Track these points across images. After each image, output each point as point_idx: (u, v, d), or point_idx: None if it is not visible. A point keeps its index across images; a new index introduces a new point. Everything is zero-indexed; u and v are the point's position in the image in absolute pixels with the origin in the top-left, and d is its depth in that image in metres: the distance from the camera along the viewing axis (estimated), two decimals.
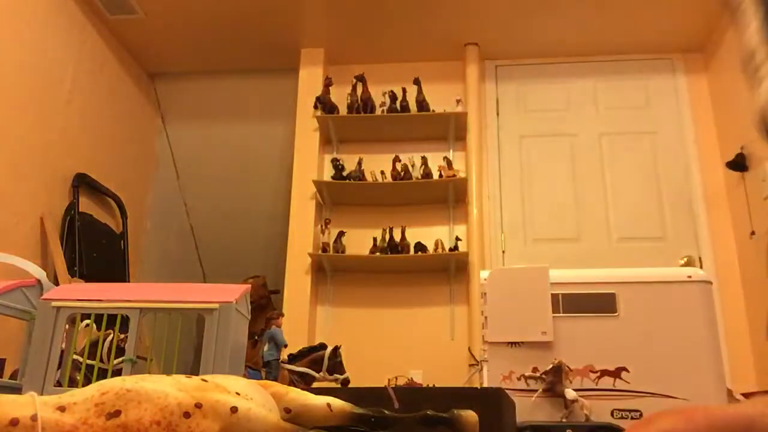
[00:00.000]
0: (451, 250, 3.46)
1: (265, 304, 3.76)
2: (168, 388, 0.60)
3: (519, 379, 1.45)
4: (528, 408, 1.42)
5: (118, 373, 1.09)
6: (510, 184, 3.76)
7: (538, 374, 1.43)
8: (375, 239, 3.53)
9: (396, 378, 3.09)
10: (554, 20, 3.63)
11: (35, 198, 3.11)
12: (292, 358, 1.64)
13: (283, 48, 3.93)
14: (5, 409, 0.54)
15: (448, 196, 3.62)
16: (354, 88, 3.74)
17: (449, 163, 3.55)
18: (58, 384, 1.07)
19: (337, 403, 0.78)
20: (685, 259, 3.46)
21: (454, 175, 3.52)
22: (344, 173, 3.62)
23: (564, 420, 1.36)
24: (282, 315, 1.67)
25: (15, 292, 1.22)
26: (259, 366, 1.59)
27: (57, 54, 3.31)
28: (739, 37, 0.58)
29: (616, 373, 1.42)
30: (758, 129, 0.56)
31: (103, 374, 1.37)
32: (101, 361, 1.43)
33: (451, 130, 3.72)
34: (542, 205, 3.69)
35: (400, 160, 3.59)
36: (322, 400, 0.78)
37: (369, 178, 3.59)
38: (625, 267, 1.53)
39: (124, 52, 3.98)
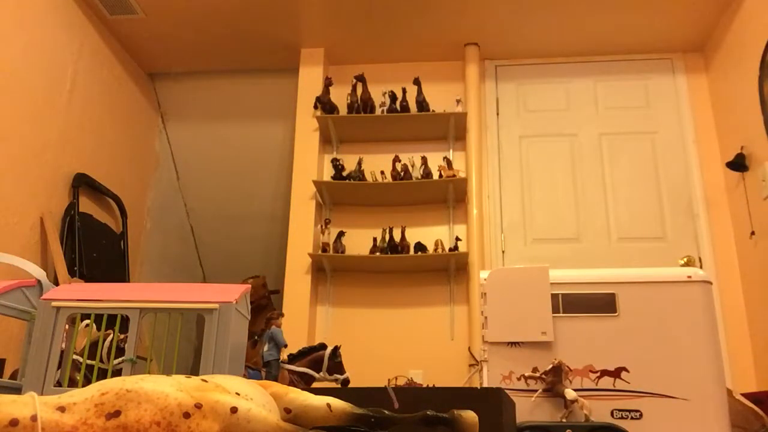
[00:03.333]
0: (451, 250, 3.46)
1: (265, 304, 3.76)
2: (168, 389, 0.60)
3: (519, 379, 1.45)
4: (528, 408, 1.42)
5: (118, 373, 1.09)
6: (510, 184, 3.76)
7: (538, 374, 1.43)
8: (375, 239, 3.53)
9: (396, 378, 3.09)
10: (554, 20, 3.63)
11: (35, 198, 3.11)
12: (292, 358, 1.64)
13: (283, 48, 3.93)
14: (5, 409, 0.54)
15: (448, 196, 3.62)
16: (354, 88, 3.74)
17: (449, 163, 3.55)
18: (58, 384, 1.07)
19: (337, 403, 0.78)
20: (685, 259, 3.46)
21: (454, 175, 3.52)
22: (344, 173, 3.62)
23: (564, 420, 1.36)
24: (282, 315, 1.67)
25: (15, 292, 1.22)
26: (259, 366, 1.59)
27: (57, 54, 3.31)
28: None
29: (616, 373, 1.42)
30: None
31: (103, 374, 1.37)
32: (101, 361, 1.43)
33: (451, 130, 3.72)
34: (542, 205, 3.69)
35: (400, 160, 3.59)
36: (322, 400, 0.78)
37: (369, 178, 3.59)
38: (625, 267, 1.53)
39: (124, 52, 3.98)
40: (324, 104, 3.74)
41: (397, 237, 3.48)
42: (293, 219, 3.64)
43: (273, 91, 4.23)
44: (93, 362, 1.42)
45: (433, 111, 3.67)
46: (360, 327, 3.53)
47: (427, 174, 3.54)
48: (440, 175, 3.53)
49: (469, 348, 3.36)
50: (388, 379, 3.04)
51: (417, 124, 3.72)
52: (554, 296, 1.48)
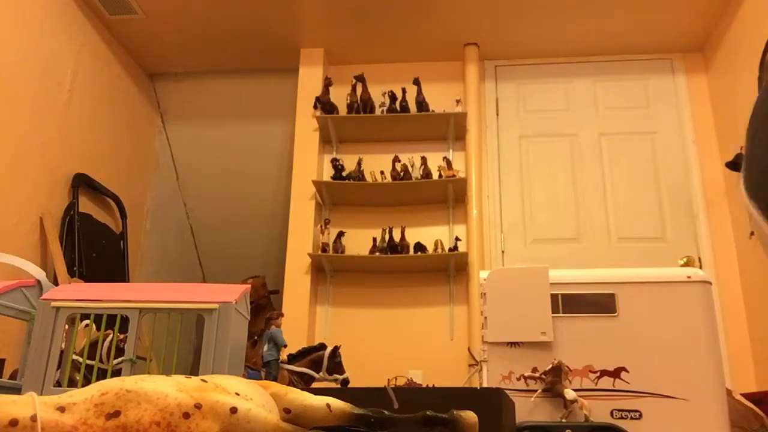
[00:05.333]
0: (450, 250, 3.46)
1: (264, 304, 3.76)
2: (167, 389, 0.60)
3: (519, 379, 1.45)
4: (528, 408, 1.42)
5: (117, 373, 1.09)
6: (510, 184, 3.76)
7: (537, 374, 1.43)
8: (375, 239, 3.53)
9: (396, 378, 3.09)
10: (554, 20, 3.63)
11: (35, 198, 3.11)
12: (292, 359, 1.64)
13: (283, 48, 3.93)
14: (5, 409, 0.54)
15: (448, 196, 3.62)
16: (354, 88, 3.74)
17: (449, 163, 3.55)
18: (58, 384, 1.07)
19: (336, 403, 0.78)
20: (685, 259, 3.46)
21: (454, 175, 3.52)
22: (344, 173, 3.62)
23: (564, 420, 1.36)
24: (282, 315, 1.67)
25: (15, 292, 1.22)
26: (259, 366, 1.59)
27: (57, 54, 3.31)
28: None
29: (616, 374, 1.42)
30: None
31: (102, 374, 1.37)
32: (101, 361, 1.43)
33: (450, 130, 3.72)
34: (542, 205, 3.69)
35: (399, 160, 3.59)
36: (322, 400, 0.78)
37: (369, 178, 3.59)
38: (625, 267, 1.53)
39: (124, 52, 3.98)
40: (324, 104, 3.74)
41: (396, 237, 3.48)
42: (293, 219, 3.64)
43: (273, 91, 4.23)
44: (93, 362, 1.42)
45: (433, 111, 3.67)
46: (360, 327, 3.53)
47: (426, 174, 3.54)
48: (440, 175, 3.53)
49: (468, 348, 3.36)
50: (388, 379, 3.04)
51: (417, 124, 3.72)
52: (554, 296, 1.48)
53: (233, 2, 3.54)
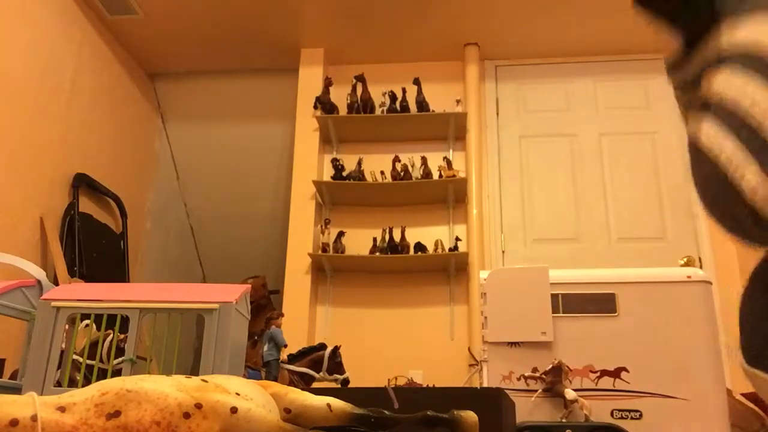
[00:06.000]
0: (450, 250, 3.46)
1: (265, 304, 3.75)
2: (168, 389, 0.60)
3: (519, 379, 1.45)
4: (528, 408, 1.42)
5: (117, 373, 1.09)
6: (510, 184, 3.76)
7: (538, 374, 1.43)
8: (375, 239, 3.53)
9: (396, 378, 3.09)
10: (554, 20, 3.63)
11: (35, 198, 3.11)
12: (292, 359, 1.64)
13: (283, 48, 3.93)
14: (5, 409, 0.54)
15: (448, 196, 3.62)
16: (354, 88, 3.74)
17: (449, 163, 3.55)
18: (58, 384, 1.07)
19: (336, 403, 0.78)
20: (685, 259, 3.46)
21: (454, 175, 3.52)
22: (344, 173, 3.62)
23: (564, 420, 1.36)
24: (282, 315, 1.67)
25: (15, 292, 1.22)
26: (259, 366, 1.59)
27: (57, 54, 3.31)
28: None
29: (616, 373, 1.42)
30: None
31: (102, 374, 1.37)
32: (101, 361, 1.43)
33: (450, 130, 3.72)
34: (542, 205, 3.69)
35: (399, 160, 3.59)
36: (322, 400, 0.78)
37: (369, 178, 3.59)
38: (625, 267, 1.53)
39: (124, 52, 3.98)
40: (324, 104, 3.74)
41: (397, 237, 3.48)
42: (293, 219, 3.64)
43: (273, 91, 4.23)
44: (93, 362, 1.42)
45: (433, 111, 3.67)
46: (360, 327, 3.53)
47: (427, 174, 3.54)
48: (440, 175, 3.53)
49: (469, 348, 3.36)
50: (388, 379, 3.04)
51: (417, 124, 3.72)
52: (554, 296, 1.48)
53: (233, 2, 3.54)
